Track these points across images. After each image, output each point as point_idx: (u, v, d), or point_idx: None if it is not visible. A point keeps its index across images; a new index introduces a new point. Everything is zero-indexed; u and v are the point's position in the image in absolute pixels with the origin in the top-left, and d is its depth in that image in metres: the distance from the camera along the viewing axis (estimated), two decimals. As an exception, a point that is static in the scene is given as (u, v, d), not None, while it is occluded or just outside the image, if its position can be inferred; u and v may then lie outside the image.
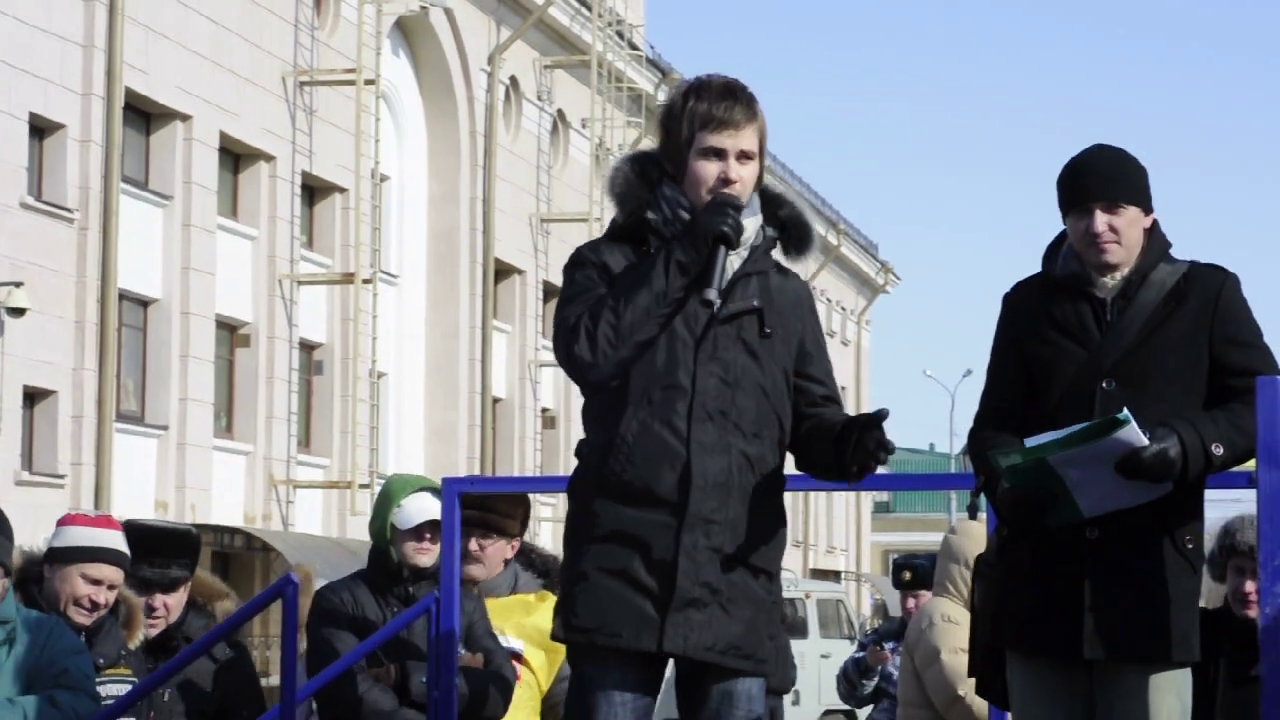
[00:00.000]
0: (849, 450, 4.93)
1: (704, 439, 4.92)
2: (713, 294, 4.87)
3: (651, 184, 5.06)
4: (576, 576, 4.96)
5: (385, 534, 6.94)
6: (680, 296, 4.92)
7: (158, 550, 6.71)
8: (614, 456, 4.93)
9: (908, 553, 12.84)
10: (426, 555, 6.90)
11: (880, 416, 4.92)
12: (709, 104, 4.99)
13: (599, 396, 5.01)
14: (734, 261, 5.01)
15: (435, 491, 6.97)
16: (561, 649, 8.06)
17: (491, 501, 7.16)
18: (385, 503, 7.03)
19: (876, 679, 10.58)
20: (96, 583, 6.28)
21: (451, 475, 7.08)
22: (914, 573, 10.48)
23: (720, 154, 4.98)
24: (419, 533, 6.90)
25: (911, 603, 10.46)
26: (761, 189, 5.13)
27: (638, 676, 4.96)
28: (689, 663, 4.96)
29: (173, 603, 6.76)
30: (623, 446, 4.93)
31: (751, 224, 5.05)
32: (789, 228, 5.16)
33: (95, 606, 6.29)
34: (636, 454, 4.92)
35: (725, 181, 4.98)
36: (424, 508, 6.94)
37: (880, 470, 5.20)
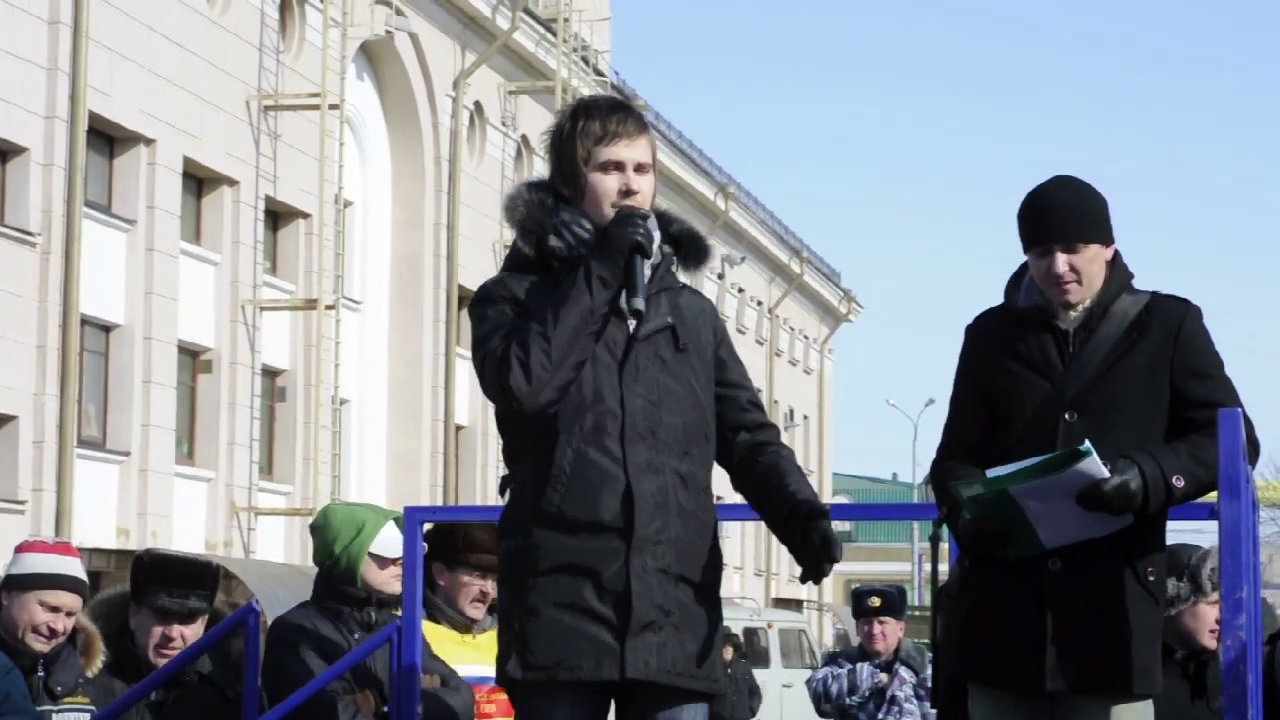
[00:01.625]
0: (798, 551, 5.00)
1: (639, 460, 4.91)
2: (639, 302, 4.90)
3: (549, 210, 5.06)
4: (526, 613, 4.91)
5: (355, 560, 6.93)
6: (605, 312, 4.93)
7: (176, 580, 6.64)
8: (551, 487, 4.91)
9: (866, 582, 12.86)
10: (399, 582, 6.91)
11: (822, 511, 4.95)
12: (600, 120, 5.03)
13: (528, 429, 4.98)
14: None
15: (398, 520, 6.98)
16: None
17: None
18: (351, 529, 7.01)
19: (858, 697, 10.51)
20: (55, 610, 6.23)
21: (414, 503, 7.09)
22: (883, 599, 10.49)
23: (619, 166, 5.00)
24: (399, 560, 6.92)
25: (878, 629, 10.46)
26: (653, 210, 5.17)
27: (589, 709, 4.94)
28: (637, 691, 4.93)
29: (189, 634, 6.59)
30: (560, 476, 4.90)
31: (655, 239, 5.06)
32: (683, 242, 5.17)
33: (54, 634, 6.25)
34: (575, 482, 4.89)
35: (627, 192, 5.00)
36: (393, 537, 6.96)
37: (842, 499, 5.23)
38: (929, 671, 10.17)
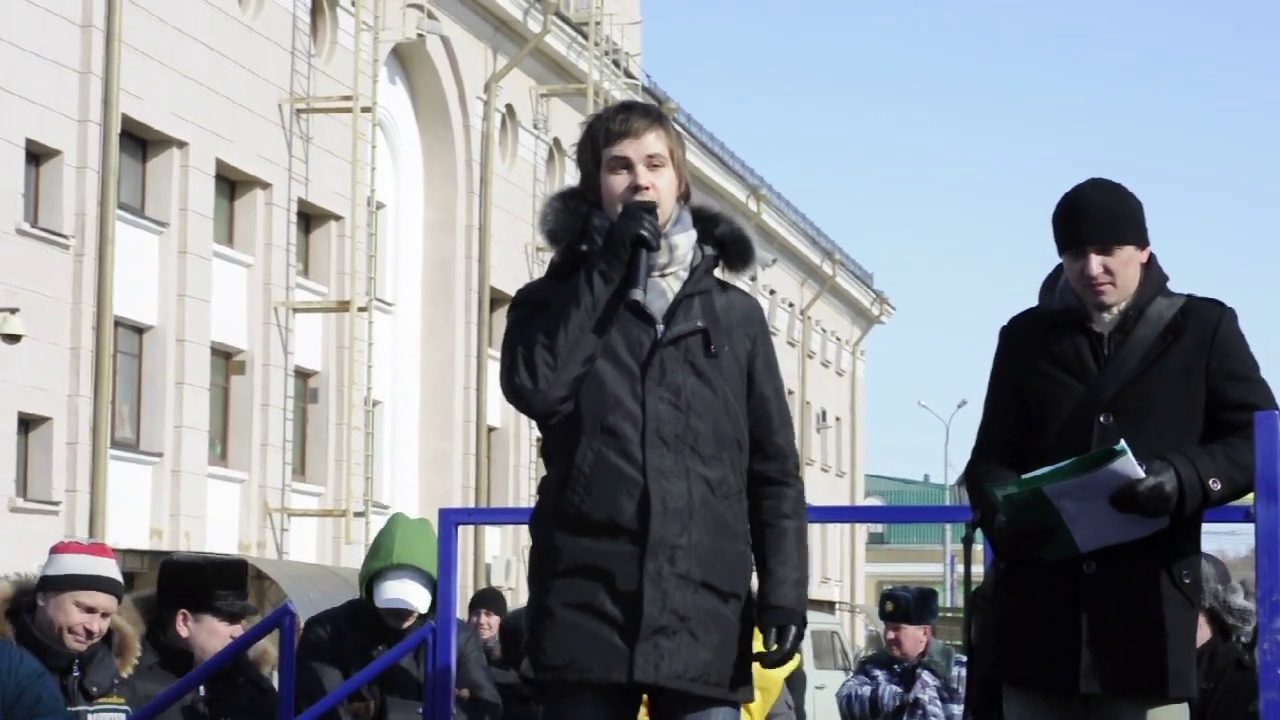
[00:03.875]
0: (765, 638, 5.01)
1: (661, 465, 4.91)
2: (638, 294, 4.88)
3: (581, 218, 5.07)
4: (542, 614, 4.94)
5: (365, 589, 6.98)
6: (611, 305, 4.92)
7: (235, 583, 6.78)
8: (571, 489, 4.93)
9: (898, 584, 12.79)
10: (400, 621, 6.94)
11: (778, 611, 4.98)
12: (607, 122, 5.06)
13: (553, 431, 5.01)
14: (673, 284, 5.02)
15: (416, 571, 6.97)
16: (773, 687, 8.09)
17: None
18: (373, 558, 7.04)
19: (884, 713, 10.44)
20: (91, 611, 6.26)
21: (446, 504, 7.13)
22: (896, 604, 10.43)
23: (626, 164, 5.01)
24: (394, 613, 6.96)
25: (892, 634, 10.41)
26: (696, 209, 5.16)
27: (612, 713, 4.93)
28: (658, 697, 4.94)
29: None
30: (579, 478, 4.92)
31: (685, 240, 5.06)
32: (728, 244, 5.15)
33: (90, 635, 6.27)
34: (594, 485, 4.91)
35: (635, 189, 5.00)
36: (400, 593, 6.95)
37: (875, 501, 5.23)
38: (956, 672, 10.13)
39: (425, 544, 7.07)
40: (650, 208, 4.97)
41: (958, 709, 9.97)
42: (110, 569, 6.37)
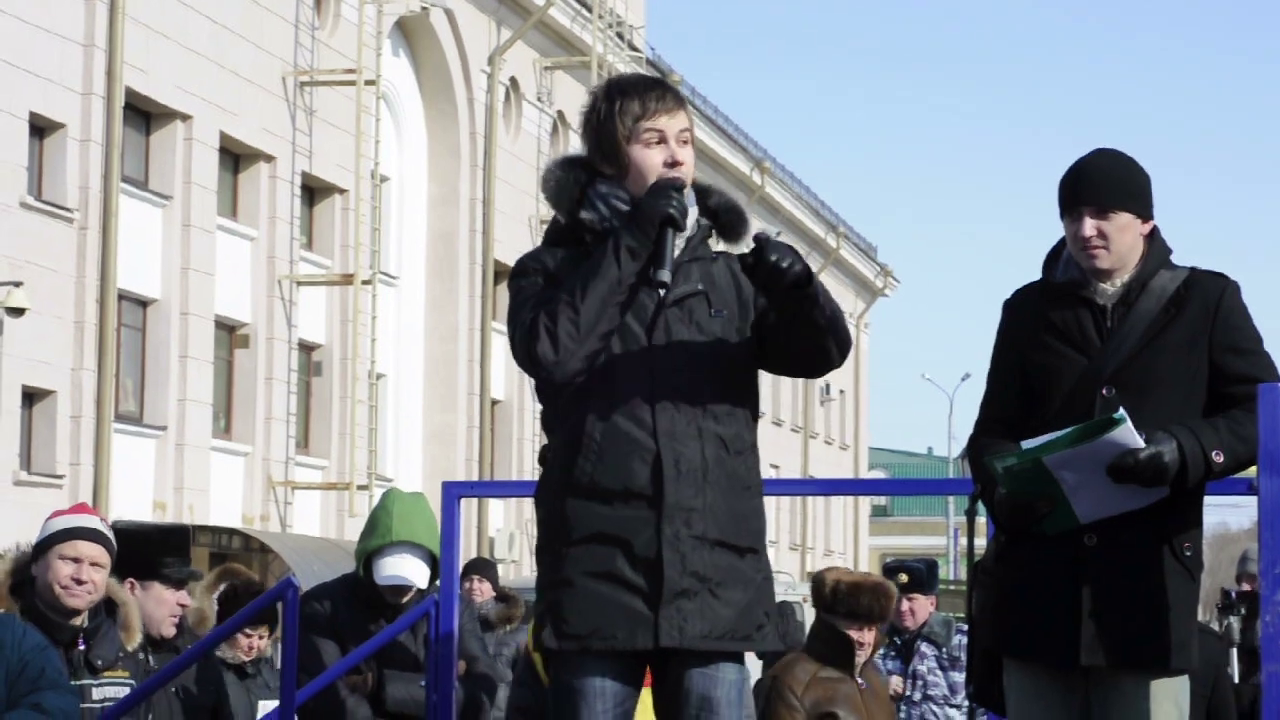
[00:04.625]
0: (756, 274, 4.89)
1: (671, 427, 4.91)
2: (665, 275, 4.87)
3: (582, 185, 5.07)
4: (560, 583, 4.93)
5: (361, 567, 6.98)
6: (633, 283, 4.92)
7: (182, 550, 6.79)
8: (583, 456, 4.92)
9: (901, 556, 12.80)
10: (399, 597, 6.95)
11: (761, 238, 4.85)
12: (639, 98, 5.04)
13: (558, 399, 5.01)
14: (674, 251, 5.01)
15: (415, 547, 6.97)
16: None
17: None
18: (371, 535, 7.04)
19: None
20: (76, 561, 6.24)
21: (450, 478, 7.13)
22: (910, 575, 10.46)
23: (662, 139, 5.00)
24: (393, 589, 6.95)
25: (906, 605, 10.44)
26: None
27: (621, 677, 4.94)
28: (667, 657, 4.93)
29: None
30: (590, 444, 4.92)
31: (693, 213, 5.06)
32: (721, 214, 5.15)
33: (81, 584, 6.23)
34: (606, 450, 4.91)
35: (673, 164, 4.99)
36: (399, 569, 6.95)
37: (879, 473, 5.21)
38: (956, 640, 10.16)
39: (423, 520, 7.08)
40: (679, 186, 4.97)
41: (959, 675, 10.01)
42: (91, 521, 6.37)
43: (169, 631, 6.67)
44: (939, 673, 10.34)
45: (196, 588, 7.22)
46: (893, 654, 10.45)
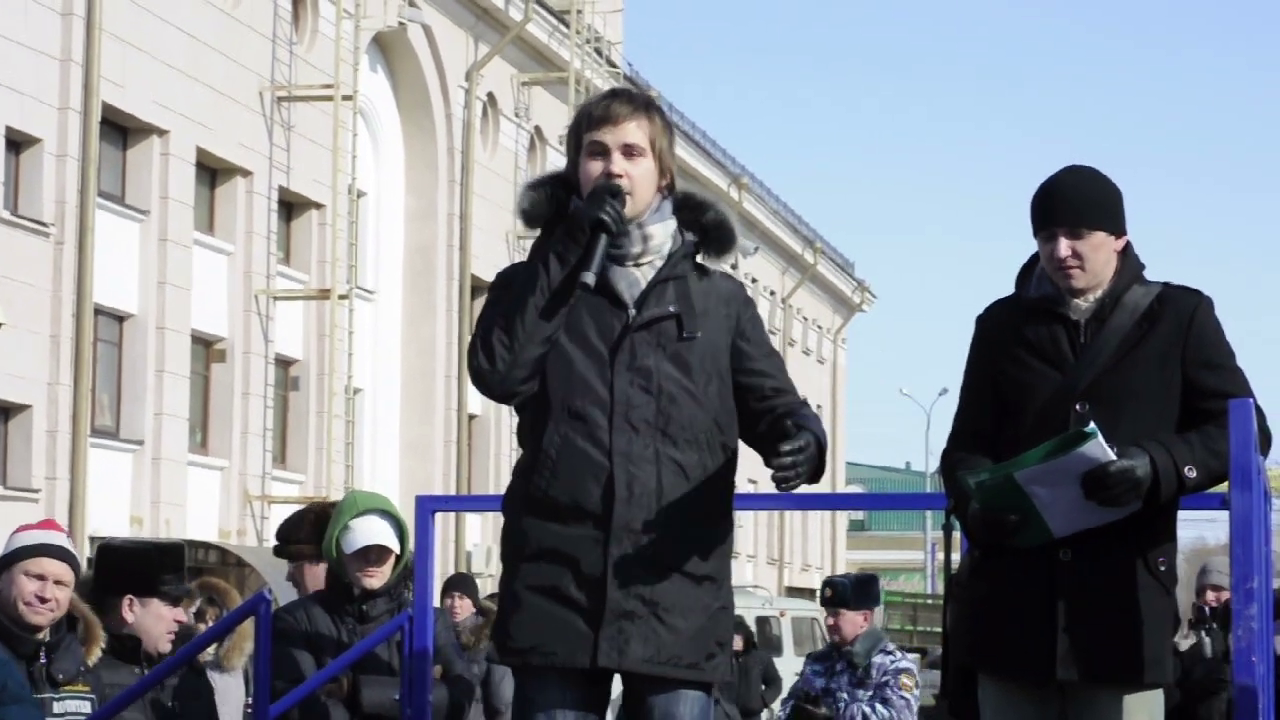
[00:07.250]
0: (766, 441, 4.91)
1: (628, 449, 4.89)
2: (589, 276, 4.86)
3: (559, 202, 5.07)
4: (510, 596, 4.96)
5: (333, 553, 6.95)
6: (568, 287, 4.91)
7: (179, 566, 6.79)
8: (539, 473, 4.93)
9: (879, 570, 12.83)
10: (372, 579, 6.91)
11: (788, 432, 4.85)
12: (590, 110, 5.05)
13: (524, 415, 5.02)
14: (648, 272, 5.01)
15: (383, 513, 6.97)
16: None
17: None
18: (336, 521, 7.02)
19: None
20: (41, 579, 6.22)
21: (426, 492, 7.10)
22: (834, 590, 10.52)
23: (603, 149, 5.00)
24: (364, 555, 6.90)
25: (831, 620, 10.53)
26: (685, 196, 5.14)
27: (579, 695, 4.93)
28: (630, 680, 4.93)
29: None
30: (546, 462, 4.92)
31: (661, 230, 5.04)
32: (709, 231, 5.13)
33: (44, 602, 6.22)
34: (560, 469, 4.90)
35: (608, 175, 4.98)
36: (369, 531, 6.92)
37: (856, 488, 5.20)
38: (880, 660, 10.24)
39: (384, 499, 7.12)
40: (616, 191, 4.95)
41: (865, 694, 10.11)
42: (57, 539, 6.36)
43: (166, 648, 6.66)
44: (848, 690, 10.37)
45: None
46: (819, 669, 10.52)
